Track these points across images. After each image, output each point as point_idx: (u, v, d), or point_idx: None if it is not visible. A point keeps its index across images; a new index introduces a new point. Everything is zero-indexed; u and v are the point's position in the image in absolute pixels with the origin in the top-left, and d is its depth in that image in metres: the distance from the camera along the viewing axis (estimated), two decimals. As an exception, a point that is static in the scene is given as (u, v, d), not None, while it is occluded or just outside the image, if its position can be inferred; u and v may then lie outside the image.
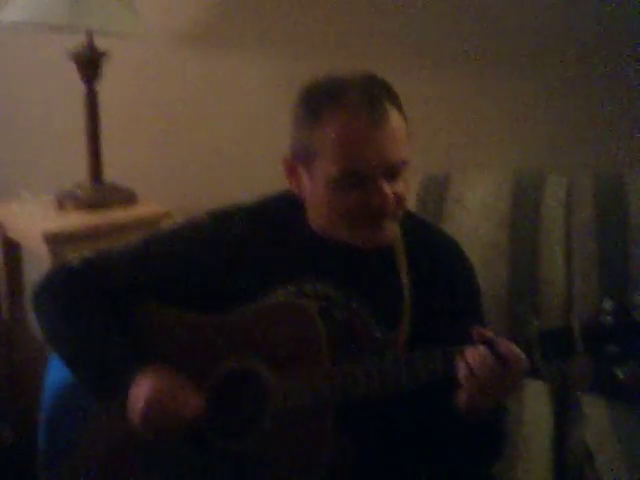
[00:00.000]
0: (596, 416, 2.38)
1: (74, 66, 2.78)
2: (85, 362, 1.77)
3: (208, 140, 3.20)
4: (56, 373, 1.91)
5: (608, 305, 1.46)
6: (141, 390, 1.67)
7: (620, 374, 1.44)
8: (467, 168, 2.90)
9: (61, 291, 1.85)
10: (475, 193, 2.73)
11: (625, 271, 2.51)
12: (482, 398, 1.55)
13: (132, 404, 1.67)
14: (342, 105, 1.66)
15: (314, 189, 1.74)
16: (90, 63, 2.77)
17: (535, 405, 2.44)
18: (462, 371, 1.55)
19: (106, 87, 2.83)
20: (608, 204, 2.61)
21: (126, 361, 1.74)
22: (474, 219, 2.68)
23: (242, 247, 1.83)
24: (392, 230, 1.76)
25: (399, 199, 1.72)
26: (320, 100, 1.70)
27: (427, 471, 1.74)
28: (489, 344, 1.53)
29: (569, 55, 2.89)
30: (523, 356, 1.53)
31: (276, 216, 1.87)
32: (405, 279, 1.79)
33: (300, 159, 1.74)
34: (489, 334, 1.55)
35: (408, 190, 1.75)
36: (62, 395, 1.89)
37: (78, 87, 2.79)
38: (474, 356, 1.54)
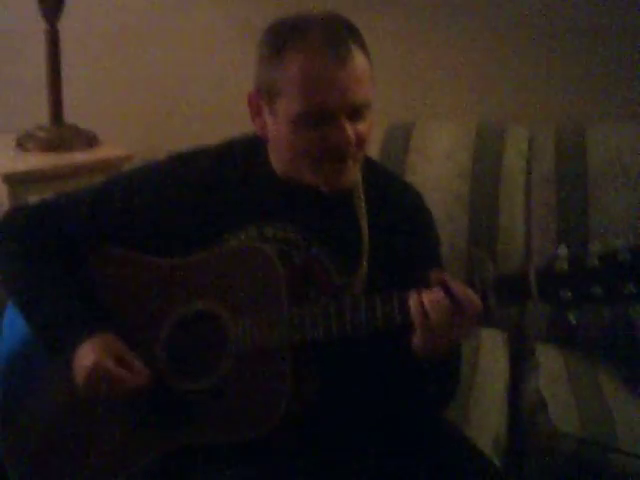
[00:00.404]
0: (551, 365, 2.42)
1: (36, 3, 2.74)
2: (38, 310, 1.78)
3: (172, 82, 3.17)
4: (11, 323, 1.90)
5: (563, 252, 1.47)
6: (87, 353, 1.68)
7: (572, 319, 1.46)
8: (430, 118, 2.91)
9: (17, 233, 1.85)
10: (437, 144, 2.74)
11: (583, 222, 2.55)
12: (436, 340, 1.56)
13: (77, 365, 1.69)
14: (305, 43, 1.65)
15: (277, 128, 1.73)
16: (52, 0, 2.72)
17: (491, 353, 2.48)
18: (416, 312, 1.56)
19: (68, 26, 2.79)
20: (568, 156, 2.63)
21: (78, 315, 1.75)
22: (436, 169, 2.69)
23: (203, 189, 1.82)
24: (353, 173, 1.75)
25: (361, 141, 1.71)
26: (284, 38, 1.68)
27: (383, 412, 1.77)
28: (444, 287, 1.55)
29: (532, 7, 2.89)
30: (478, 300, 1.54)
31: (238, 159, 1.86)
32: (364, 225, 1.79)
33: (264, 96, 1.73)
34: (445, 277, 1.56)
35: (370, 133, 1.74)
36: (18, 346, 1.88)
37: (40, 25, 2.75)
38: (428, 298, 1.55)
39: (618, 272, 1.42)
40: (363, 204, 1.81)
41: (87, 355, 1.68)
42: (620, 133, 2.67)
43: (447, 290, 1.54)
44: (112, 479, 1.74)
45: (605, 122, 2.75)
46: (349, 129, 1.67)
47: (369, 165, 1.86)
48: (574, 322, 1.45)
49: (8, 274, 1.84)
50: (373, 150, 2.65)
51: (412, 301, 1.56)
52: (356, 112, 1.68)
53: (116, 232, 1.84)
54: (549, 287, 1.48)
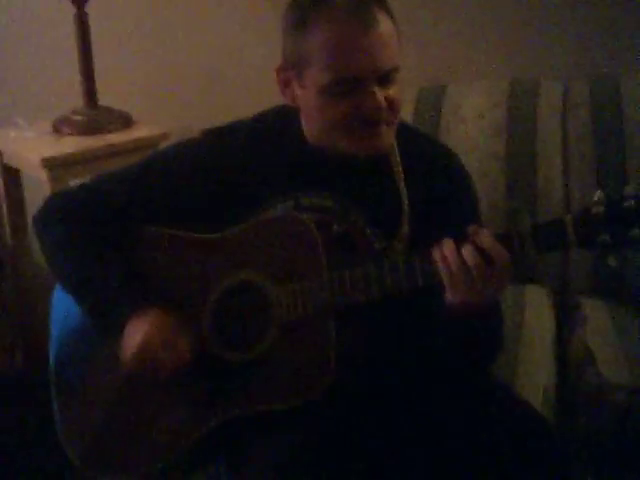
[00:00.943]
0: (597, 318, 2.41)
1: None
2: (87, 290, 1.78)
3: (203, 59, 3.18)
4: (63, 300, 1.90)
5: (599, 196, 1.47)
6: (136, 330, 1.69)
7: (613, 263, 1.46)
8: (462, 79, 2.90)
9: (61, 216, 1.86)
10: (471, 103, 2.73)
11: (621, 173, 2.53)
12: (469, 295, 1.57)
13: (126, 342, 1.70)
14: (330, 11, 1.66)
15: (307, 98, 1.73)
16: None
17: (536, 308, 2.48)
18: (442, 267, 1.57)
19: (97, 8, 2.80)
20: (603, 107, 2.62)
21: (126, 292, 1.75)
22: (471, 129, 2.69)
23: (239, 163, 1.83)
24: (388, 137, 1.76)
25: (393, 105, 1.71)
26: (308, 8, 1.69)
27: (429, 369, 1.78)
28: (472, 241, 1.56)
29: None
30: (505, 252, 1.54)
31: (272, 130, 1.87)
32: (403, 189, 1.80)
33: (292, 68, 1.74)
34: (473, 230, 1.58)
35: (402, 97, 1.74)
36: (70, 322, 1.89)
37: (69, 9, 2.76)
38: (449, 249, 1.57)
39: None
40: (400, 168, 1.81)
41: (136, 332, 1.69)
42: (655, 83, 2.65)
43: (475, 244, 1.54)
44: (170, 453, 1.76)
45: (639, 72, 2.72)
46: (380, 95, 1.67)
47: (404, 129, 1.86)
48: (614, 265, 1.45)
49: (55, 258, 1.85)
50: (406, 113, 2.65)
51: (437, 256, 1.58)
52: (385, 77, 1.68)
53: (157, 209, 1.85)
54: (587, 232, 1.48)
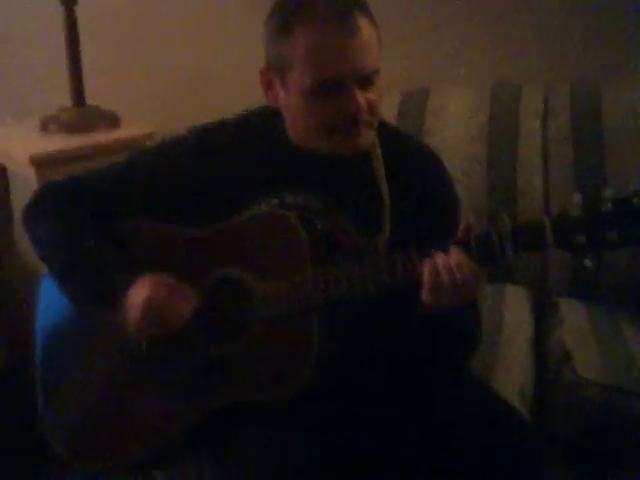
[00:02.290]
0: (574, 318, 2.44)
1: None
2: (80, 270, 1.81)
3: (189, 58, 3.18)
4: (49, 296, 1.94)
5: (577, 198, 1.49)
6: (139, 290, 1.72)
7: (588, 264, 1.48)
8: (446, 82, 2.92)
9: (51, 205, 1.88)
10: (454, 106, 2.77)
11: (600, 179, 2.56)
12: (445, 297, 1.59)
13: (130, 303, 1.73)
14: (312, 15, 1.68)
15: (290, 100, 1.76)
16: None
17: (515, 309, 2.52)
18: (428, 273, 1.59)
19: (85, 7, 2.81)
20: (584, 114, 2.66)
21: (121, 264, 1.79)
22: (453, 132, 2.73)
23: (224, 161, 1.86)
24: (368, 137, 1.78)
25: (373, 107, 1.74)
26: (290, 12, 1.71)
27: (408, 366, 1.80)
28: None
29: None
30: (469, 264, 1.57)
31: (256, 130, 1.89)
32: (384, 186, 1.82)
33: (275, 71, 1.76)
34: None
35: (382, 99, 1.77)
36: (55, 315, 1.92)
37: (58, 8, 2.77)
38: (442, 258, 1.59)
39: (631, 215, 1.44)
40: (382, 167, 1.83)
41: (139, 292, 1.72)
42: (635, 90, 2.68)
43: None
44: (154, 445, 1.80)
45: (619, 79, 2.76)
46: (360, 97, 1.70)
47: (386, 129, 1.89)
48: (590, 266, 1.48)
49: (47, 245, 1.86)
50: (390, 115, 2.68)
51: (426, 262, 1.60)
52: (366, 79, 1.71)
53: (144, 204, 1.87)
54: (564, 233, 1.49)
